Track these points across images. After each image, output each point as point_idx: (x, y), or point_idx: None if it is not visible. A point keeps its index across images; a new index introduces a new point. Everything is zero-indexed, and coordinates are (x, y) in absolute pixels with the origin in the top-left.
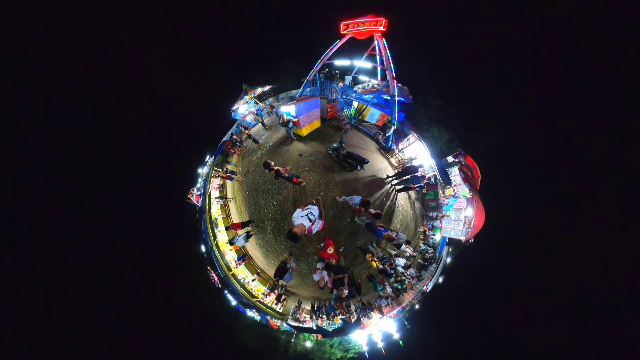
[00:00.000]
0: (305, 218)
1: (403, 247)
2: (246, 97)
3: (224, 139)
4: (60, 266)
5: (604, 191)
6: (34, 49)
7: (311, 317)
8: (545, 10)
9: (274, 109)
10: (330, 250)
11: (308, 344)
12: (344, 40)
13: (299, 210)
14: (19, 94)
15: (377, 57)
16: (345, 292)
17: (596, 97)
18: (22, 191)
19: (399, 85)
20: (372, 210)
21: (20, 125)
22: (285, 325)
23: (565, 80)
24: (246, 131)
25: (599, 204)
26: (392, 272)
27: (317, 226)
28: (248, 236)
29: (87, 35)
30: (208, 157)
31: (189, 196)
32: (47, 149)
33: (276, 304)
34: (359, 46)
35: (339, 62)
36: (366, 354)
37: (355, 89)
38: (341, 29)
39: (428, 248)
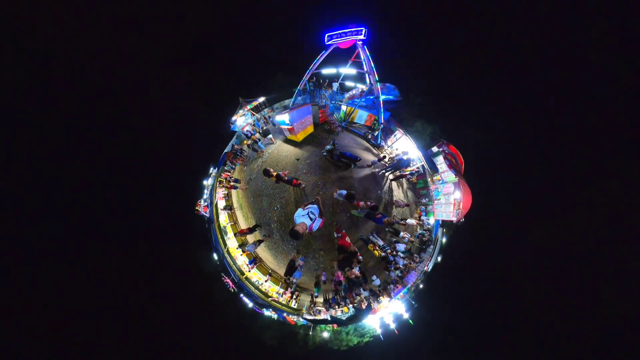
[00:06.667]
0: (306, 217)
1: (402, 234)
2: (243, 110)
3: (225, 150)
4: (77, 283)
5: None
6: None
7: (327, 309)
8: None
9: (270, 119)
10: (348, 240)
11: (325, 334)
12: (329, 50)
13: (300, 209)
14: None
15: (364, 63)
16: (356, 270)
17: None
18: (32, 208)
19: (387, 84)
20: (369, 203)
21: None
22: (301, 320)
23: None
24: (245, 142)
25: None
26: (393, 259)
27: (318, 224)
28: (259, 242)
29: (84, 63)
30: (211, 169)
31: (197, 208)
32: (52, 162)
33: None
34: (343, 54)
35: (326, 71)
36: (381, 336)
37: (347, 95)
38: (325, 40)
39: (424, 232)
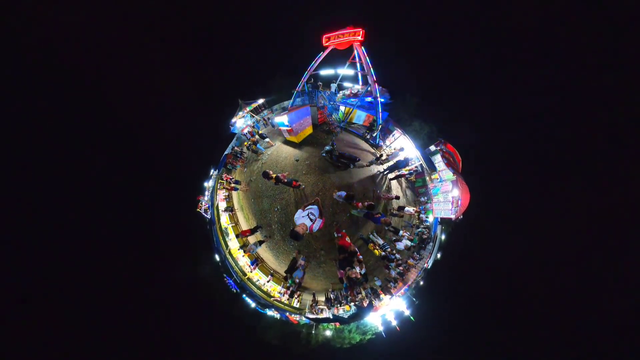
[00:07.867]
0: (306, 218)
1: (401, 232)
2: (242, 112)
3: (226, 152)
4: (85, 287)
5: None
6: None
7: (328, 308)
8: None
9: (269, 121)
10: (348, 239)
11: (328, 332)
12: (327, 51)
13: (300, 210)
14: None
15: (358, 64)
16: (357, 269)
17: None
18: (31, 208)
19: (379, 87)
20: (367, 202)
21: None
22: (304, 319)
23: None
24: (245, 143)
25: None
26: (394, 257)
27: (318, 224)
28: (260, 243)
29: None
30: (212, 170)
31: (198, 209)
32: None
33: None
34: (341, 55)
35: (324, 72)
36: (383, 334)
37: (340, 94)
38: (323, 42)
39: (424, 229)
